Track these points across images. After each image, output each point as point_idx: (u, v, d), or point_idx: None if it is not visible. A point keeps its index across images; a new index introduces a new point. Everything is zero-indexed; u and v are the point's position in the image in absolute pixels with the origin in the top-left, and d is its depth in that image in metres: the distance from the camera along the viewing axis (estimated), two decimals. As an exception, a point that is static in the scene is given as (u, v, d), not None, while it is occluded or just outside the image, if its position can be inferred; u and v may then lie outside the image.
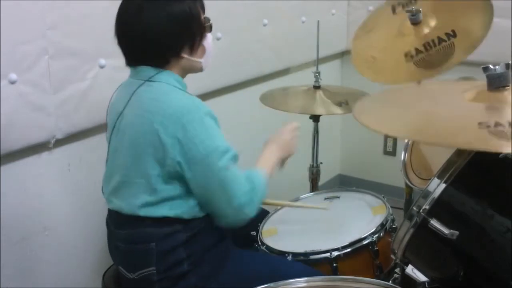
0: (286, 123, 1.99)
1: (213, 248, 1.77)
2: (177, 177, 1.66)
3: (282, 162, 1.94)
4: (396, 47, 2.21)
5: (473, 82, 1.65)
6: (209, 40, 1.77)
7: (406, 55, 2.16)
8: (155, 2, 1.66)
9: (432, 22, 2.18)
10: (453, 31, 2.12)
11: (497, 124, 1.30)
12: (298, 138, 1.98)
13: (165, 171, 1.65)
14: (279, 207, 2.23)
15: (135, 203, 1.69)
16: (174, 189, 1.68)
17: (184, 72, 1.76)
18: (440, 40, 2.12)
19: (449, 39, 2.11)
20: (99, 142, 1.89)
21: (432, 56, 2.11)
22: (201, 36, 1.73)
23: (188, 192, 1.69)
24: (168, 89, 1.68)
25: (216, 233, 1.78)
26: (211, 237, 1.76)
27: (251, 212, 1.71)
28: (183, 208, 1.70)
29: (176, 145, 1.61)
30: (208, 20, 1.76)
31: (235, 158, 1.70)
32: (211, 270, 1.76)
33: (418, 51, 2.14)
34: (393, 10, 2.35)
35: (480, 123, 1.31)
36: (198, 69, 1.79)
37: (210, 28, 1.76)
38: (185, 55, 1.71)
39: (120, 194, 1.73)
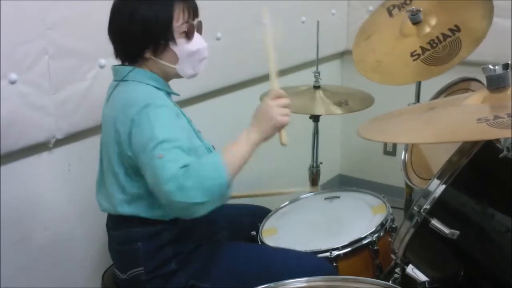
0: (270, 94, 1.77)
1: (203, 245, 1.77)
2: (137, 172, 1.65)
3: (280, 135, 1.72)
4: (400, 48, 2.20)
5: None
6: (185, 46, 1.70)
7: (412, 54, 2.14)
8: (128, 2, 1.68)
9: (433, 20, 2.18)
10: (456, 26, 2.11)
11: (496, 117, 1.30)
12: (287, 107, 1.71)
13: (127, 166, 1.66)
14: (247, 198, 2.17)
15: (113, 202, 1.71)
16: (140, 186, 1.67)
17: (163, 74, 1.74)
18: (445, 36, 2.11)
19: (453, 34, 2.10)
20: (99, 142, 1.89)
21: (440, 52, 2.10)
22: (167, 40, 1.68)
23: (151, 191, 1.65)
24: (134, 86, 1.69)
25: (205, 231, 1.78)
26: (199, 234, 1.76)
27: (182, 198, 1.52)
28: (159, 211, 1.68)
29: (127, 139, 1.62)
30: (187, 27, 1.70)
31: (176, 148, 1.58)
32: (202, 267, 1.76)
33: (424, 49, 2.13)
34: (389, 13, 2.34)
35: (479, 119, 1.32)
36: (174, 74, 1.75)
37: (186, 35, 1.70)
38: (151, 56, 1.70)
39: (105, 195, 1.76)
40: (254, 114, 1.71)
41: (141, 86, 1.69)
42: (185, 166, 1.54)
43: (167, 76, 1.76)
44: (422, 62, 2.12)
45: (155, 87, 1.71)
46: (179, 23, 1.69)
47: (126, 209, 1.70)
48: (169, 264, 1.72)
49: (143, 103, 1.62)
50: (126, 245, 1.73)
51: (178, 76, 1.76)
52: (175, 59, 1.72)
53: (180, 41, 1.70)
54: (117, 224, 1.76)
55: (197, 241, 1.76)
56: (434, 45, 2.12)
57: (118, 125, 1.64)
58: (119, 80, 1.72)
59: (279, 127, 1.69)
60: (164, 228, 1.71)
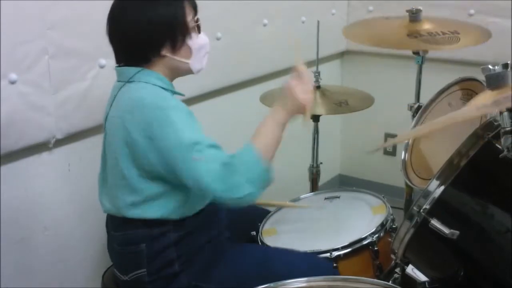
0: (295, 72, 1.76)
1: (205, 247, 1.77)
2: (156, 175, 1.65)
3: (304, 117, 1.71)
4: (396, 31, 2.19)
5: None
6: (196, 40, 1.74)
7: (409, 35, 2.14)
8: (138, 3, 1.67)
9: (433, 23, 2.18)
10: (456, 31, 2.11)
11: (494, 102, 1.31)
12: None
13: (143, 170, 1.65)
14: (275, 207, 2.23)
15: (120, 204, 1.70)
16: (156, 187, 1.67)
17: (171, 73, 1.74)
18: (444, 33, 2.11)
19: (453, 34, 2.10)
20: (99, 142, 1.89)
21: (438, 39, 2.09)
22: (184, 35, 1.71)
23: (172, 189, 1.67)
24: (143, 87, 1.68)
25: (209, 232, 1.78)
26: (203, 236, 1.76)
27: (232, 195, 1.57)
28: (168, 209, 1.69)
29: (146, 142, 1.61)
30: (197, 20, 1.74)
31: (211, 147, 1.62)
32: (203, 269, 1.76)
33: (421, 35, 2.12)
34: (387, 19, 2.35)
35: (478, 108, 1.32)
36: (186, 70, 1.76)
37: (197, 29, 1.74)
38: (167, 54, 1.70)
39: (108, 196, 1.75)
40: (284, 100, 1.71)
41: (149, 86, 1.68)
42: (224, 164, 1.57)
43: (176, 74, 1.76)
44: (419, 41, 2.11)
45: (161, 87, 1.70)
46: (189, 18, 1.72)
47: (132, 212, 1.69)
48: (172, 265, 1.72)
49: (159, 105, 1.62)
50: (128, 246, 1.72)
51: (188, 72, 1.77)
52: (189, 54, 1.73)
53: (194, 35, 1.73)
54: (118, 225, 1.75)
55: (201, 243, 1.76)
56: (432, 35, 2.12)
57: (129, 127, 1.62)
58: (126, 81, 1.70)
59: (302, 106, 1.68)
60: (168, 230, 1.71)
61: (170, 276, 1.72)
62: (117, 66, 1.76)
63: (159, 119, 1.60)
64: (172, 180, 1.65)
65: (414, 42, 2.11)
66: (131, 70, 1.70)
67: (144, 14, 1.65)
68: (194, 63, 1.75)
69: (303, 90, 1.69)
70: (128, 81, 1.69)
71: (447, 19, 2.20)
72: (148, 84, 1.68)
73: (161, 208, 1.69)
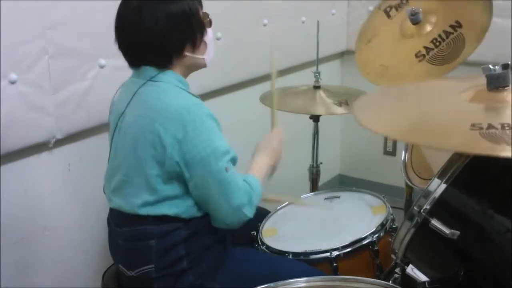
0: (273, 130, 2.03)
1: (213, 247, 1.77)
2: (176, 177, 1.67)
3: (272, 171, 1.92)
4: (403, 50, 2.20)
5: (473, 81, 1.62)
6: (209, 35, 1.77)
7: (416, 55, 2.14)
8: (153, 2, 1.65)
9: (433, 18, 2.17)
10: (457, 21, 2.11)
11: (489, 127, 1.30)
12: (287, 142, 1.99)
13: (165, 171, 1.65)
14: (280, 204, 2.23)
15: (135, 202, 1.69)
16: (173, 189, 1.68)
17: (187, 71, 1.76)
18: (447, 33, 2.11)
19: (455, 30, 2.10)
20: (99, 142, 1.89)
21: (444, 50, 2.09)
22: (202, 32, 1.73)
23: (187, 192, 1.69)
24: (170, 89, 1.68)
25: (216, 233, 1.78)
26: (211, 236, 1.77)
27: (249, 212, 1.71)
28: (181, 208, 1.70)
29: (175, 145, 1.61)
30: (207, 15, 1.76)
31: (234, 160, 1.71)
32: (210, 268, 1.76)
33: (428, 48, 2.12)
34: (387, 15, 2.34)
35: (473, 125, 1.31)
36: (201, 65, 1.79)
37: (210, 23, 1.76)
38: (188, 53, 1.71)
39: (120, 193, 1.74)
40: (268, 146, 1.93)
41: (178, 89, 1.69)
42: (245, 181, 1.72)
43: (191, 71, 1.78)
44: (428, 62, 2.11)
45: (182, 89, 1.71)
46: (201, 12, 1.73)
47: (146, 209, 1.69)
48: (181, 262, 1.72)
49: (193, 109, 1.64)
50: (136, 242, 1.71)
51: (202, 66, 1.79)
52: (205, 49, 1.76)
53: (207, 29, 1.76)
54: (126, 221, 1.73)
55: (209, 242, 1.76)
56: (438, 43, 2.11)
57: (158, 128, 1.61)
58: (147, 79, 1.68)
59: (277, 163, 1.94)
60: (178, 227, 1.71)
61: (178, 273, 1.72)
62: (132, 67, 1.74)
63: (194, 125, 1.62)
64: (188, 184, 1.68)
65: (425, 69, 2.11)
66: (152, 70, 1.69)
67: (165, 17, 1.64)
68: (208, 57, 1.79)
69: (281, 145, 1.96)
70: (150, 80, 1.69)
71: (445, 8, 2.18)
72: (173, 86, 1.69)
73: (174, 207, 1.69)
